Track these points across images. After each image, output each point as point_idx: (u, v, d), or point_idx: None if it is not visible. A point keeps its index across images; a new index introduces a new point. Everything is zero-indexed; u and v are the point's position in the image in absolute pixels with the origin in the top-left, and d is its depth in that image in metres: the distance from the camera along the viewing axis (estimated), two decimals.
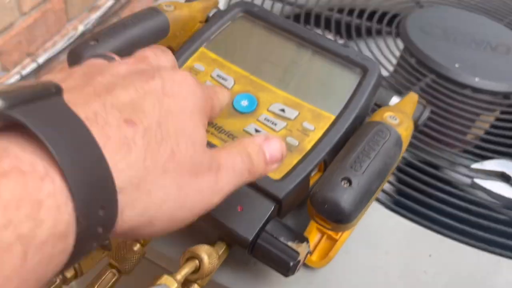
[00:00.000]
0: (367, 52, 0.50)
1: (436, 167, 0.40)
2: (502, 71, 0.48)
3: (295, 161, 0.29)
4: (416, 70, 0.49)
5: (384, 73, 0.48)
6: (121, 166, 0.17)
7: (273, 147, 0.23)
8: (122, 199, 0.17)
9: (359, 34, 0.53)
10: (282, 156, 0.24)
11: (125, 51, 0.31)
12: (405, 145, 0.29)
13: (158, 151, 0.19)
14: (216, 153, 0.22)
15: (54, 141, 0.15)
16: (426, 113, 0.32)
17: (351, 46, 0.35)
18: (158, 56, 0.24)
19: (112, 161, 0.17)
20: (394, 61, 0.51)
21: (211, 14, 0.38)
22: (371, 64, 0.33)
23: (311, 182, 0.30)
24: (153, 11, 0.33)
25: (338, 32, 0.54)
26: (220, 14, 0.37)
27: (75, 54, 0.29)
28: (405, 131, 0.29)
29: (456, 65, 0.48)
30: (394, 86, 0.47)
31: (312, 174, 0.30)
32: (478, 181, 0.36)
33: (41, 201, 0.14)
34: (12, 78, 0.97)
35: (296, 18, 0.53)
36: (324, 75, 0.34)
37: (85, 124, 0.16)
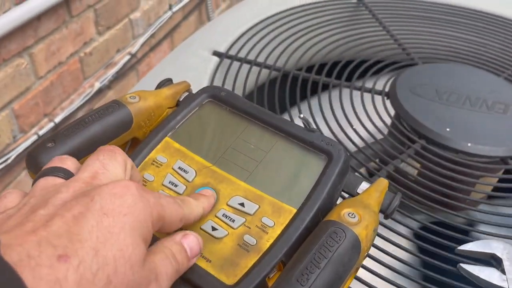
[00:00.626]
0: (362, 115, 0.48)
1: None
2: (498, 134, 0.46)
3: (251, 263, 0.28)
4: (405, 136, 0.47)
5: (379, 136, 0.47)
6: None
7: (192, 243, 0.25)
8: None
9: (346, 92, 0.52)
10: (200, 249, 0.26)
11: (84, 150, 0.31)
12: (366, 245, 0.27)
13: (92, 282, 0.19)
14: (150, 261, 0.23)
15: None
16: (396, 201, 0.31)
17: (317, 131, 0.33)
18: (106, 166, 0.24)
19: None
20: (383, 126, 0.49)
21: (181, 99, 0.38)
22: (336, 150, 0.32)
23: (270, 284, 0.28)
24: (115, 105, 0.34)
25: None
26: (188, 100, 0.37)
27: (32, 158, 0.30)
28: (365, 229, 0.27)
29: (447, 129, 0.46)
30: (385, 153, 0.45)
31: (271, 275, 0.28)
32: (465, 266, 0.34)
33: None
34: (30, 139, 1.01)
35: (272, 82, 0.53)
36: (288, 163, 0.33)
37: (16, 272, 0.17)
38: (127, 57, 1.29)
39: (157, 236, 0.28)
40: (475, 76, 0.54)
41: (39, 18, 0.94)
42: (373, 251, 0.36)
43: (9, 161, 0.96)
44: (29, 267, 0.18)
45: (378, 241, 0.37)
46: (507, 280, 0.33)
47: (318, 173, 0.31)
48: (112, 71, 1.24)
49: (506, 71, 0.58)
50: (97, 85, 1.19)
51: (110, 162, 0.25)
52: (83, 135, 0.31)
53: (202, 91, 0.37)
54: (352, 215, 0.27)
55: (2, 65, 0.89)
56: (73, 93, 1.13)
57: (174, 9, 1.48)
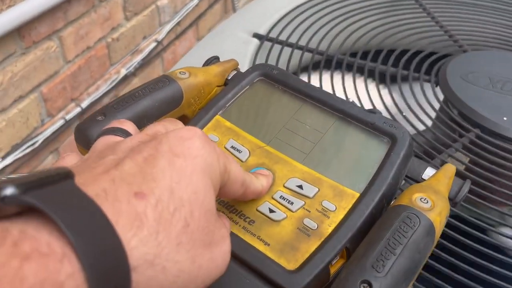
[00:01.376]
0: (401, 103, 0.46)
1: (481, 229, 0.36)
2: None
3: (312, 248, 0.26)
4: (458, 124, 0.45)
5: (421, 127, 0.44)
6: (134, 243, 0.17)
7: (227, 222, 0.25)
8: (136, 278, 0.17)
9: (393, 79, 0.50)
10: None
11: (135, 125, 0.30)
12: (438, 232, 0.25)
13: (171, 222, 0.18)
14: (223, 218, 0.23)
15: (68, 223, 0.15)
16: (466, 188, 0.29)
17: (378, 112, 0.31)
18: (168, 129, 0.23)
19: (125, 239, 0.17)
20: (433, 114, 0.47)
21: (230, 77, 0.36)
22: (400, 133, 0.30)
23: (332, 271, 0.26)
24: (165, 80, 0.32)
25: (371, 76, 0.51)
26: (238, 78, 0.35)
27: (82, 131, 0.28)
28: (439, 216, 0.25)
29: (504, 118, 0.43)
30: (433, 143, 0.43)
31: (333, 262, 0.26)
32: None
33: (62, 283, 0.15)
34: (57, 123, 1.01)
35: (315, 66, 0.50)
36: (347, 146, 0.31)
37: (95, 203, 0.16)
38: (153, 44, 1.28)
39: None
40: None
41: (69, 1, 0.93)
42: None
43: (36, 144, 0.95)
44: (107, 201, 0.17)
45: None
46: None
47: (381, 157, 0.29)
48: (138, 58, 1.23)
49: None
50: (123, 72, 1.19)
51: (172, 126, 0.24)
52: (133, 109, 0.30)
53: (253, 69, 0.35)
54: (424, 200, 0.25)
55: (32, 48, 0.89)
56: (100, 78, 1.12)
57: None
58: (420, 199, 0.26)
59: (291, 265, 0.25)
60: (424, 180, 0.30)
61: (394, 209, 0.25)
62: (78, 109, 1.06)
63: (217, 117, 0.33)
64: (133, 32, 1.19)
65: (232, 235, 0.27)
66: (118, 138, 0.23)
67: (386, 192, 0.28)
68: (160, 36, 1.30)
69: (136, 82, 1.27)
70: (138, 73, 1.27)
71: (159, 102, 0.31)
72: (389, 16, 0.60)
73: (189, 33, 1.48)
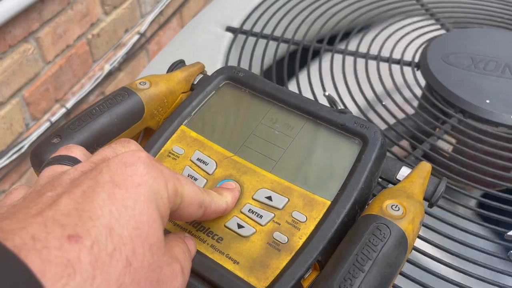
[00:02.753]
0: (391, 89, 0.44)
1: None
2: None
3: (283, 264, 0.25)
4: (439, 110, 0.43)
5: (410, 111, 0.43)
6: None
7: (192, 245, 0.24)
8: None
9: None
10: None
11: (92, 144, 0.29)
12: (412, 240, 0.24)
13: (110, 264, 0.17)
14: (171, 249, 0.21)
15: None
16: (442, 188, 0.27)
17: (348, 111, 0.30)
18: (117, 152, 0.22)
19: None
20: (415, 100, 0.45)
21: (196, 82, 0.35)
22: (371, 133, 0.29)
23: (306, 285, 0.25)
24: (124, 93, 0.31)
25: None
26: (203, 83, 0.34)
27: (37, 156, 0.27)
28: (411, 223, 0.24)
29: (487, 101, 0.42)
30: (414, 132, 0.41)
31: (306, 276, 0.25)
32: None
33: None
34: (43, 127, 0.99)
35: (292, 56, 0.49)
36: (318, 150, 0.29)
37: (17, 256, 0.15)
38: (136, 37, 1.26)
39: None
40: None
41: (43, 0, 0.90)
42: None
43: (23, 150, 0.94)
44: (34, 250, 0.16)
45: None
46: None
47: (352, 160, 0.28)
48: (122, 52, 1.21)
49: None
50: (107, 68, 1.16)
51: (123, 149, 0.22)
52: (90, 129, 0.28)
53: (218, 72, 0.34)
54: (395, 207, 0.24)
55: (8, 52, 0.87)
56: (83, 76, 1.10)
57: None
58: (391, 206, 0.24)
59: (261, 284, 0.24)
60: (399, 181, 0.28)
61: (364, 220, 0.24)
62: (63, 110, 1.04)
63: (182, 127, 0.31)
64: (113, 26, 1.16)
65: (200, 254, 0.26)
66: (63, 168, 0.21)
67: (358, 198, 0.27)
68: (142, 28, 1.28)
69: (122, 77, 1.25)
70: (123, 67, 1.25)
71: (118, 117, 0.30)
72: None
73: (173, 22, 1.45)
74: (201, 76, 0.35)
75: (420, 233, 0.33)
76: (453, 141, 0.42)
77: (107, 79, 1.18)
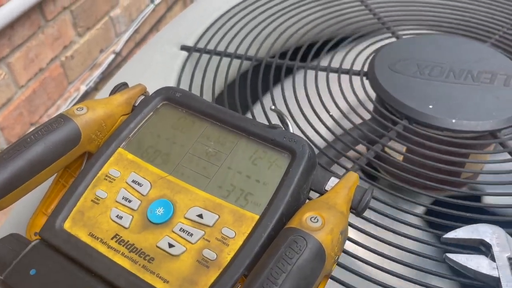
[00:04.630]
0: (339, 99, 0.45)
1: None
2: (485, 106, 0.43)
3: (211, 280, 0.26)
4: (387, 118, 0.44)
5: (359, 121, 0.44)
6: None
7: None
8: None
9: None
10: None
11: (28, 173, 0.29)
12: (332, 251, 0.25)
13: None
14: None
15: None
16: (368, 196, 0.28)
17: (279, 127, 0.31)
18: None
19: None
20: (362, 109, 0.46)
21: (137, 103, 0.36)
22: (299, 146, 0.29)
23: None
24: (60, 120, 0.31)
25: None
26: (142, 105, 0.34)
27: None
28: (330, 234, 0.25)
29: (430, 106, 0.43)
30: (359, 140, 0.42)
31: None
32: (451, 255, 0.31)
33: None
34: None
35: (245, 72, 0.50)
36: (250, 165, 0.30)
37: None
38: (112, 56, 1.27)
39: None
40: (459, 45, 0.50)
41: (12, 26, 0.91)
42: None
43: None
44: None
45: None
46: (497, 268, 0.30)
47: (281, 174, 0.29)
48: (97, 72, 1.22)
49: (493, 36, 0.55)
50: (83, 88, 1.17)
51: None
52: (24, 157, 0.29)
53: (156, 93, 0.34)
54: (314, 219, 0.25)
55: None
56: (59, 98, 1.11)
57: (156, 1, 1.44)
58: (310, 218, 0.25)
59: None
60: (328, 191, 0.29)
61: (283, 233, 0.25)
62: None
63: (120, 150, 0.32)
64: (88, 47, 1.17)
65: (132, 275, 0.26)
66: None
67: (285, 212, 0.27)
68: (118, 47, 1.29)
69: (99, 96, 1.25)
70: (100, 87, 1.25)
71: (53, 144, 0.30)
72: (320, 10, 0.59)
73: (150, 39, 1.46)
74: (142, 97, 0.36)
75: (364, 242, 0.34)
76: (402, 148, 0.43)
77: (84, 99, 1.19)
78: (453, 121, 0.42)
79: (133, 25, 1.34)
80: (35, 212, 0.34)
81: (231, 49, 0.53)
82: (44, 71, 1.03)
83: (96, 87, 1.22)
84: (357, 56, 0.51)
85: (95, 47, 1.20)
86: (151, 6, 1.42)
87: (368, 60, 0.50)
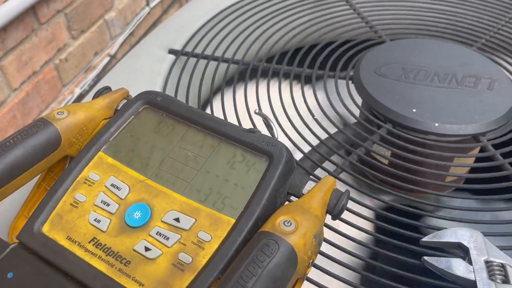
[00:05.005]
0: (325, 104, 0.46)
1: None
2: (468, 110, 0.43)
3: (185, 284, 0.26)
4: (370, 122, 0.44)
5: (334, 129, 0.44)
6: None
7: None
8: None
9: (310, 80, 0.50)
10: None
11: (7, 177, 0.29)
12: (305, 254, 0.25)
13: None
14: None
15: None
16: (343, 200, 0.28)
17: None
18: None
19: None
20: (347, 113, 0.46)
21: (120, 107, 0.36)
22: (276, 150, 0.30)
23: None
24: (40, 124, 0.31)
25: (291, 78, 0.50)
26: (123, 109, 0.34)
27: None
28: (303, 238, 0.25)
29: (413, 110, 0.43)
30: (343, 144, 0.43)
31: None
32: (429, 258, 0.32)
33: None
34: None
35: (241, 74, 0.50)
36: (228, 169, 0.30)
37: None
38: (107, 59, 1.27)
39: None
40: (444, 49, 0.51)
41: (5, 29, 0.91)
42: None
43: None
44: None
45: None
46: (473, 271, 0.30)
47: (258, 178, 0.29)
48: (92, 75, 1.22)
49: (479, 41, 0.55)
50: (77, 91, 1.17)
51: None
52: (3, 161, 0.29)
53: (137, 97, 0.35)
54: (287, 222, 0.25)
55: None
56: (53, 101, 1.11)
57: (152, 4, 1.45)
58: (284, 222, 0.25)
59: None
60: (304, 195, 0.29)
61: (256, 236, 0.25)
62: None
63: (100, 153, 0.32)
64: (82, 50, 1.17)
65: (108, 278, 0.26)
66: None
67: (261, 215, 0.27)
68: (113, 50, 1.29)
69: (89, 99, 1.25)
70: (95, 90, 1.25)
71: (33, 148, 0.30)
72: (309, 13, 0.59)
73: None
74: (124, 101, 0.36)
75: (344, 244, 0.34)
76: (387, 152, 0.43)
77: (79, 101, 1.19)
78: (436, 124, 0.42)
79: (128, 28, 1.34)
80: (17, 215, 0.34)
81: (218, 53, 0.53)
82: (37, 74, 1.04)
83: (90, 90, 1.22)
84: (343, 60, 0.52)
85: (90, 50, 1.20)
86: (147, 9, 1.42)
87: (354, 64, 0.51)
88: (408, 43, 0.52)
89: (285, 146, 0.30)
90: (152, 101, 0.34)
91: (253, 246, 0.24)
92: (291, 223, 0.25)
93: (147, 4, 1.44)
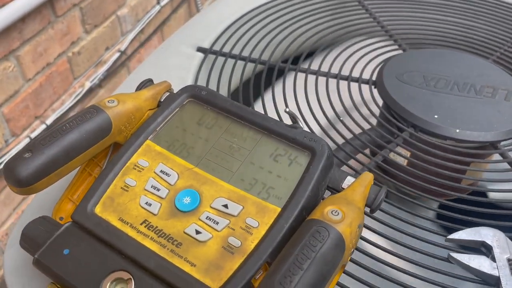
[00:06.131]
0: (349, 105, 0.48)
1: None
2: (486, 118, 0.45)
3: (236, 265, 0.28)
4: (394, 125, 0.46)
5: (368, 126, 0.46)
6: None
7: None
8: None
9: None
10: None
11: (63, 159, 0.31)
12: (351, 242, 0.27)
13: None
14: None
15: None
16: (382, 195, 0.30)
17: (300, 127, 0.33)
18: None
19: None
20: (376, 113, 0.48)
21: (163, 99, 0.38)
22: (319, 146, 0.32)
23: (256, 284, 0.28)
24: (93, 110, 0.33)
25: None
26: (168, 100, 0.36)
27: (9, 170, 0.29)
28: (349, 227, 0.27)
29: (435, 116, 0.45)
30: (373, 143, 0.44)
31: (257, 277, 0.28)
32: (455, 255, 0.34)
33: None
34: (22, 143, 1.00)
35: (258, 76, 0.52)
36: (271, 161, 0.32)
37: None
38: (117, 54, 1.28)
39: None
40: (463, 60, 0.53)
41: (23, 19, 0.92)
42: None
43: (1, 166, 0.95)
44: None
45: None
46: (497, 268, 0.32)
47: (301, 171, 0.31)
48: (102, 69, 1.23)
49: (495, 53, 0.57)
50: (88, 85, 1.18)
51: None
52: (60, 144, 0.31)
53: (183, 91, 0.36)
54: (335, 212, 0.27)
55: None
56: (64, 93, 1.12)
57: (162, 3, 1.46)
58: (332, 211, 0.27)
59: (215, 284, 0.27)
60: (344, 189, 0.31)
61: (306, 224, 0.27)
62: (43, 126, 1.05)
63: (148, 142, 0.34)
64: (94, 44, 1.19)
65: (161, 258, 0.28)
66: None
67: (306, 205, 0.29)
68: (123, 46, 1.30)
69: (102, 94, 1.27)
70: (104, 84, 1.27)
71: (87, 133, 0.32)
72: (332, 19, 0.61)
73: (154, 39, 1.48)
74: (167, 94, 0.38)
75: (376, 240, 0.36)
76: (407, 154, 0.46)
77: (88, 95, 1.20)
78: (457, 130, 0.44)
79: (139, 25, 1.36)
80: (61, 198, 0.36)
81: (245, 53, 0.55)
82: (51, 65, 1.05)
83: (100, 84, 1.24)
84: (366, 65, 0.54)
85: (101, 45, 1.21)
86: (157, 7, 1.44)
87: (377, 70, 0.53)
88: (428, 52, 0.54)
89: (326, 142, 0.32)
90: (196, 94, 0.36)
91: (304, 232, 0.26)
92: (338, 212, 0.27)
93: (158, 3, 1.45)
